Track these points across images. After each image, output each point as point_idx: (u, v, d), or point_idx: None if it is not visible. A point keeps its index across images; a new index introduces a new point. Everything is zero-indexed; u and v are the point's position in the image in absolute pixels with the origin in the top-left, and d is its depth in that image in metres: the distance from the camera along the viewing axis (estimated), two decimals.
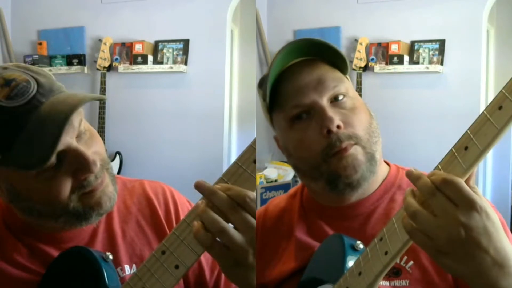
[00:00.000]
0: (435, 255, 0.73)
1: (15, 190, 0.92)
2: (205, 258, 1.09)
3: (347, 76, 1.07)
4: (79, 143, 0.91)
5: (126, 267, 1.03)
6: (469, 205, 0.69)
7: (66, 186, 0.91)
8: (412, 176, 0.75)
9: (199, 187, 0.82)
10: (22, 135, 0.84)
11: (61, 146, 0.87)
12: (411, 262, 0.97)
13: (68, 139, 0.89)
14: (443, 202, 0.70)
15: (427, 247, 0.73)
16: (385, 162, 1.11)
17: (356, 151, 0.98)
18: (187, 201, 1.15)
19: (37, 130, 0.85)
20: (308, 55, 1.04)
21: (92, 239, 1.03)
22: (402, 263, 0.97)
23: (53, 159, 0.87)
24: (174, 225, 1.07)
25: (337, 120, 0.97)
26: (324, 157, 0.98)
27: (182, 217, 1.07)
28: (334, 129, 0.97)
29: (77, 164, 0.90)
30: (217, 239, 0.81)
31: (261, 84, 1.07)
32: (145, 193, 1.11)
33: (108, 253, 0.96)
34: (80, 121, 0.92)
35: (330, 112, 0.98)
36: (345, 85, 1.03)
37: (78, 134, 0.92)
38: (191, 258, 0.83)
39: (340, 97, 1.01)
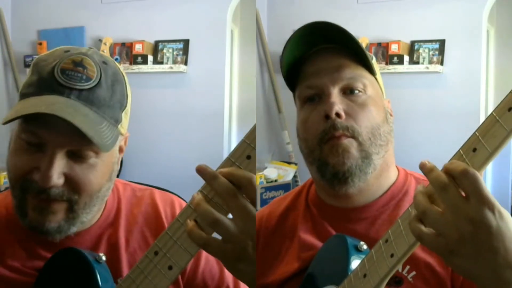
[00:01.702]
0: (446, 255, 0.71)
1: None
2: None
3: (377, 78, 1.06)
4: (73, 161, 0.91)
5: None
6: (482, 201, 0.67)
7: (27, 163, 0.91)
8: (425, 168, 0.73)
9: (200, 171, 0.79)
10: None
11: (48, 142, 0.89)
12: (413, 272, 0.96)
13: (57, 142, 0.89)
14: (454, 196, 0.69)
15: (437, 248, 0.71)
16: (396, 167, 1.10)
17: (350, 144, 0.97)
18: None
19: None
20: (333, 42, 1.04)
21: (95, 247, 1.02)
22: (404, 272, 0.97)
23: (34, 139, 0.90)
24: None
25: (337, 108, 0.97)
26: (319, 142, 0.99)
27: None
28: (332, 115, 0.97)
29: (40, 173, 0.89)
30: (213, 235, 0.79)
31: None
32: (154, 203, 1.09)
33: (101, 254, 0.95)
34: (90, 149, 0.91)
35: (335, 98, 0.98)
36: (364, 82, 1.02)
37: (76, 154, 0.92)
38: (184, 258, 0.81)
39: (356, 91, 1.01)
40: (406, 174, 1.10)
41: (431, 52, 3.63)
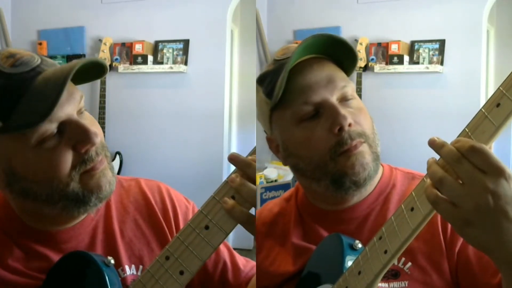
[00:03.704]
0: (459, 225, 0.70)
1: (12, 168, 0.90)
2: None
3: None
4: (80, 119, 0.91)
5: (126, 267, 1.02)
6: (498, 172, 0.66)
7: (67, 160, 0.89)
8: (435, 144, 0.72)
9: (233, 159, 0.83)
10: (25, 98, 0.85)
11: (62, 115, 0.87)
12: (409, 264, 0.97)
13: (69, 110, 0.89)
14: (470, 169, 0.68)
15: (451, 217, 0.70)
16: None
17: (365, 149, 0.98)
18: (184, 198, 1.13)
19: (41, 88, 0.85)
20: (320, 52, 1.03)
21: (92, 239, 1.01)
22: (400, 264, 0.97)
23: (53, 127, 0.87)
24: (173, 224, 1.07)
25: (349, 118, 0.97)
26: (332, 156, 0.97)
27: (180, 215, 1.08)
28: (347, 127, 0.96)
29: (77, 136, 0.89)
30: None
31: (262, 80, 1.05)
32: (142, 191, 1.10)
33: (109, 258, 0.94)
34: (81, 98, 0.92)
35: (342, 110, 0.98)
36: (352, 86, 1.03)
37: (79, 109, 0.92)
38: (196, 264, 0.82)
39: (349, 98, 1.01)
40: (391, 168, 1.10)
41: (431, 52, 3.63)
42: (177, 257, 0.82)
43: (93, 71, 0.95)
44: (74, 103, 0.90)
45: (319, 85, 0.99)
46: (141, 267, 1.03)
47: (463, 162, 0.68)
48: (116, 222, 1.04)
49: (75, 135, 0.89)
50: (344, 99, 1.00)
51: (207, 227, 0.82)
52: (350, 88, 1.01)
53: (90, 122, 0.93)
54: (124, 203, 1.07)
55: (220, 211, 0.82)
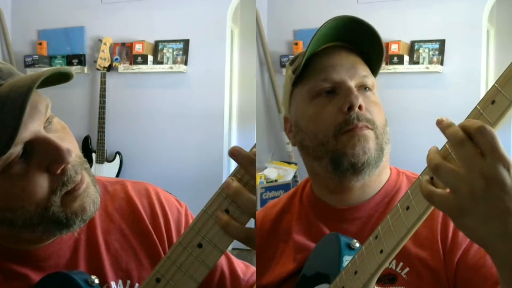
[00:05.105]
0: (456, 215, 0.68)
1: None
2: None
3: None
4: (48, 133, 0.79)
5: (113, 283, 0.93)
6: (498, 158, 0.64)
7: (42, 185, 0.79)
8: (442, 124, 0.71)
9: (235, 154, 0.73)
10: None
11: (27, 134, 0.76)
12: (407, 269, 0.96)
13: (35, 126, 0.77)
14: (471, 152, 0.66)
15: (447, 207, 0.68)
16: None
17: (370, 135, 0.98)
18: (175, 200, 1.06)
19: None
20: (348, 34, 1.04)
21: (74, 254, 0.92)
22: (397, 269, 0.96)
23: (18, 149, 0.76)
24: (163, 231, 0.99)
25: (360, 100, 0.98)
26: (335, 133, 0.98)
27: (171, 220, 1.00)
28: (356, 107, 0.97)
29: (49, 156, 0.78)
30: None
31: (293, 60, 1.09)
32: (128, 197, 1.00)
33: (93, 277, 0.86)
34: (47, 107, 0.80)
35: (356, 92, 1.00)
36: (373, 81, 1.04)
37: (45, 122, 0.81)
38: (190, 286, 0.75)
39: (367, 89, 1.03)
40: (398, 172, 1.10)
41: (431, 52, 3.63)
42: (168, 280, 0.75)
43: (58, 77, 0.83)
44: (39, 117, 0.78)
45: (341, 67, 1.02)
46: (128, 282, 0.95)
47: (465, 145, 0.67)
48: (101, 233, 0.95)
49: (46, 156, 0.78)
50: (362, 87, 1.02)
51: (200, 245, 0.75)
52: (370, 81, 1.03)
53: (61, 133, 0.83)
54: (109, 211, 0.98)
55: (213, 226, 0.74)
